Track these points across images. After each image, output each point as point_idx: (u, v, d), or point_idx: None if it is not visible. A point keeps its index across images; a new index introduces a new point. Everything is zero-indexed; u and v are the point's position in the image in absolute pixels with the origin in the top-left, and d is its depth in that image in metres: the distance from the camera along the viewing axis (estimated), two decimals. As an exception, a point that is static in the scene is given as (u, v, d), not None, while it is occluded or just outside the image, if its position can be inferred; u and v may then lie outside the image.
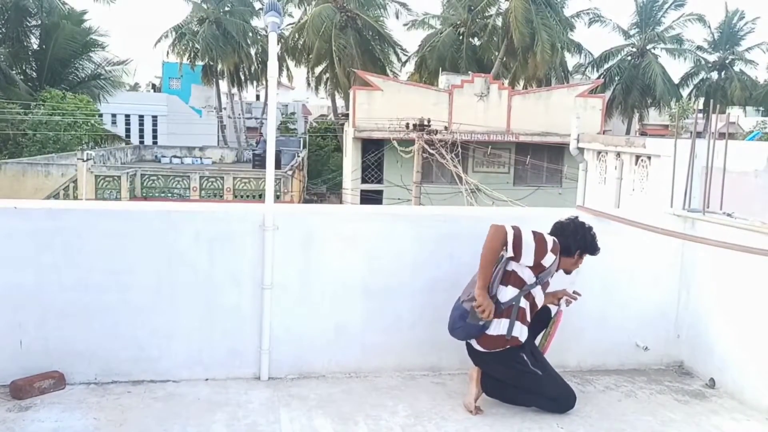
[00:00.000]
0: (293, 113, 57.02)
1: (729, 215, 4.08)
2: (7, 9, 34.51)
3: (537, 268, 3.42)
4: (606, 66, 43.92)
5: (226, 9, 45.89)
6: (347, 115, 30.00)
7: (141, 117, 49.04)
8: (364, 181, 27.53)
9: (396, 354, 3.98)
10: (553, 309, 3.74)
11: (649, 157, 10.28)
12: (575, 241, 3.59)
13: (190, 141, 42.05)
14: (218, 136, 50.27)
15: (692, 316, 4.23)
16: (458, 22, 39.10)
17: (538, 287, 3.49)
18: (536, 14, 33.13)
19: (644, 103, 43.77)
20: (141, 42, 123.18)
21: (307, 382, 3.80)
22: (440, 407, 3.54)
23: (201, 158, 39.45)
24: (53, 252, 3.52)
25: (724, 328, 3.97)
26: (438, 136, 20.66)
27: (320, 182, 39.28)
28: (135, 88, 55.31)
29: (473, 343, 3.52)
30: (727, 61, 46.56)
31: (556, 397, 3.50)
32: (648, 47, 43.53)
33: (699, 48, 46.36)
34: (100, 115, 37.15)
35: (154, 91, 58.32)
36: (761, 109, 49.01)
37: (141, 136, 48.79)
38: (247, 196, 26.68)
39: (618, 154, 11.24)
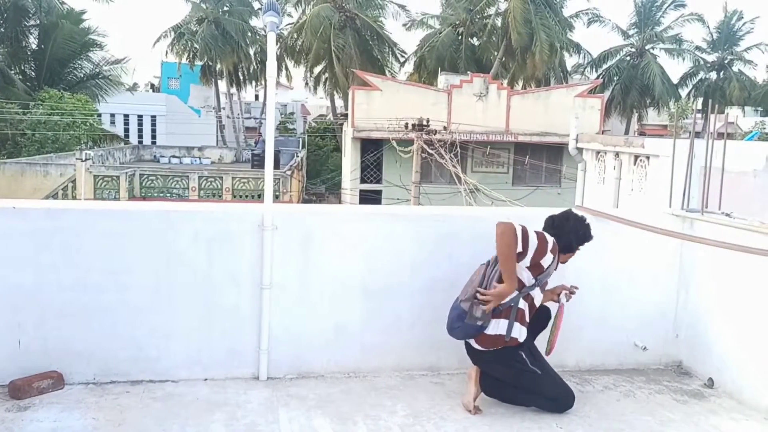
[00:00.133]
0: (292, 113, 57.04)
1: (728, 215, 4.08)
2: (5, 8, 34.49)
3: (536, 268, 3.42)
4: (605, 66, 43.98)
5: (225, 9, 45.90)
6: (346, 115, 29.99)
7: (140, 117, 49.02)
8: (363, 181, 27.53)
9: (395, 354, 3.98)
10: (553, 307, 3.74)
11: (647, 157, 10.29)
12: (577, 237, 3.61)
13: (189, 141, 42.04)
14: (217, 136, 50.27)
15: (691, 316, 4.23)
16: (457, 22, 39.11)
17: (537, 288, 3.49)
18: (535, 14, 33.16)
19: (643, 103, 43.83)
20: (140, 42, 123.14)
21: (305, 382, 3.79)
22: (439, 407, 3.54)
23: (200, 158, 39.45)
24: (52, 252, 3.51)
25: (722, 328, 3.97)
26: (437, 136, 20.67)
27: (319, 182, 39.27)
28: (134, 88, 55.20)
29: (472, 342, 3.52)
30: (725, 62, 46.61)
31: (555, 396, 3.50)
32: (647, 47, 43.59)
33: (698, 48, 46.43)
34: (99, 115, 37.13)
35: (153, 91, 58.29)
36: (760, 109, 49.04)
37: (140, 136, 48.77)
38: (246, 196, 26.67)
39: (617, 154, 11.25)
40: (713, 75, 47.16)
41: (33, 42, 36.63)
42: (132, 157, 37.57)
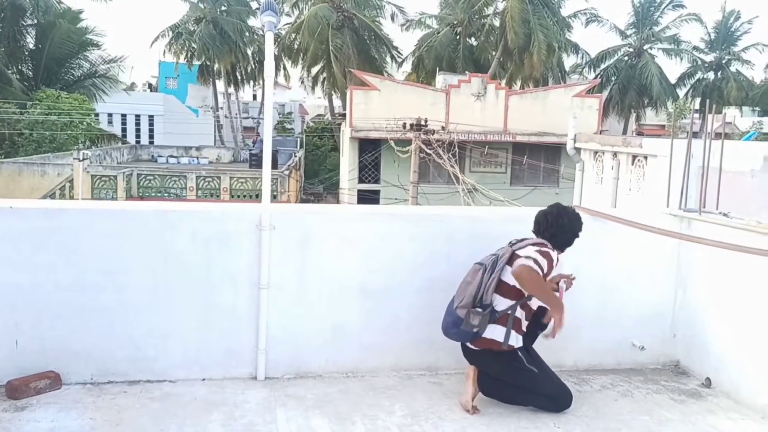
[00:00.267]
0: (290, 113, 57.03)
1: (725, 215, 4.08)
2: (2, 8, 34.41)
3: None
4: (603, 66, 44.00)
5: (223, 8, 45.85)
6: (344, 115, 29.98)
7: (137, 116, 48.95)
8: (361, 181, 27.53)
9: (393, 354, 3.98)
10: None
11: (645, 157, 10.30)
12: (573, 233, 3.62)
13: (187, 141, 41.98)
14: (215, 135, 50.22)
15: (688, 315, 4.24)
16: (455, 22, 39.10)
17: (534, 298, 3.50)
18: (533, 14, 33.17)
19: (641, 103, 43.87)
20: (137, 42, 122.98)
21: (303, 382, 3.79)
22: (437, 407, 3.55)
23: (197, 158, 39.39)
24: (49, 252, 3.51)
25: (720, 327, 3.97)
26: (435, 136, 20.68)
27: (317, 182, 39.26)
28: (131, 87, 55.17)
29: (468, 343, 3.52)
30: (723, 62, 46.67)
31: (553, 395, 3.51)
32: (645, 47, 43.63)
33: (695, 48, 46.47)
34: (96, 115, 37.07)
35: (151, 90, 58.24)
36: (757, 109, 49.12)
37: (137, 136, 48.70)
38: (244, 196, 26.64)
39: (615, 154, 11.26)
40: (711, 75, 47.21)
41: (30, 41, 36.57)
42: (129, 157, 37.52)
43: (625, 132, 43.62)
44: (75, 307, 3.56)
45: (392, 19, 40.84)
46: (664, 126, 51.34)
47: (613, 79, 43.29)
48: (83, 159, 25.19)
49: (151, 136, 48.91)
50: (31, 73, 36.69)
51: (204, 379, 3.74)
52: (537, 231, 3.61)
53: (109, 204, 4.00)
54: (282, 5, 38.74)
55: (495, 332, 3.44)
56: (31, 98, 32.36)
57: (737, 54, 46.75)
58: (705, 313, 4.10)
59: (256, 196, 25.28)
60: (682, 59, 45.36)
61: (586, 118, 25.89)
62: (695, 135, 4.80)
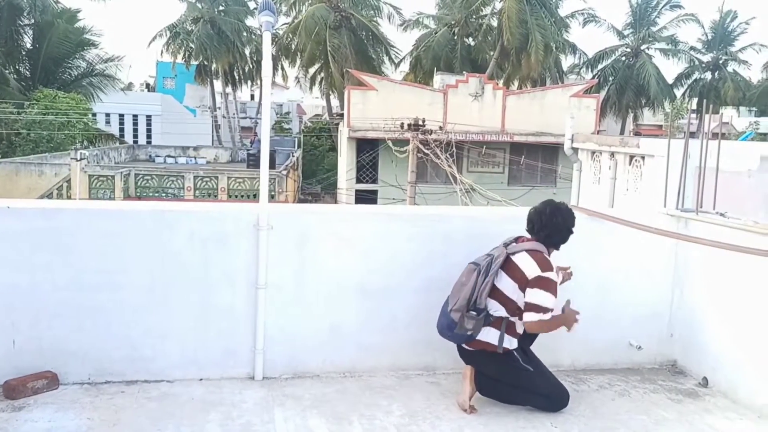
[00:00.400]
0: (288, 113, 57.02)
1: (722, 215, 4.09)
2: (-1, 8, 34.37)
3: None
4: (600, 66, 44.09)
5: (221, 8, 45.83)
6: (342, 115, 29.98)
7: (135, 116, 48.91)
8: (358, 180, 27.52)
9: (391, 354, 3.98)
10: None
11: (642, 157, 10.31)
12: (569, 231, 3.60)
13: (185, 141, 41.96)
14: (212, 135, 50.19)
15: (685, 315, 4.25)
16: (453, 22, 39.13)
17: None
18: (531, 14, 33.20)
19: (638, 103, 43.95)
20: (135, 42, 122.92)
21: (301, 382, 3.79)
22: (435, 406, 3.55)
23: (195, 158, 39.38)
24: (46, 252, 3.51)
25: (717, 327, 3.98)
26: (433, 136, 20.69)
27: (315, 182, 39.23)
28: (129, 87, 55.07)
29: (464, 345, 3.53)
30: (720, 62, 46.76)
31: (549, 394, 3.51)
32: (642, 47, 43.71)
33: (692, 48, 46.56)
34: (94, 115, 37.01)
35: (149, 90, 58.19)
36: (754, 109, 49.21)
37: (135, 136, 48.65)
38: (242, 196, 26.62)
39: (612, 154, 11.27)
40: (708, 75, 47.30)
41: (27, 41, 36.48)
42: (127, 157, 37.48)
43: (622, 132, 43.68)
44: (72, 307, 3.55)
45: (389, 19, 40.88)
46: (661, 126, 51.38)
47: (610, 79, 43.37)
48: (81, 159, 25.15)
49: (149, 136, 48.86)
50: (28, 72, 36.60)
51: (201, 379, 3.74)
52: (531, 230, 3.59)
53: (107, 204, 3.99)
54: (280, 5, 38.72)
55: (489, 335, 3.44)
56: (28, 98, 32.29)
57: (734, 54, 46.84)
58: (702, 313, 4.11)
59: (254, 196, 25.27)
60: (679, 59, 45.49)
61: (584, 118, 25.92)
62: (692, 135, 4.81)
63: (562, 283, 3.65)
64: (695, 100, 45.58)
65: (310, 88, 44.64)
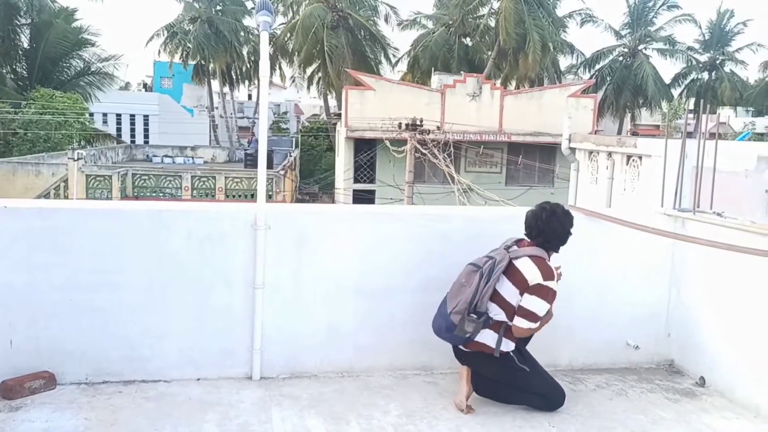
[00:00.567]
0: (285, 113, 56.99)
1: (719, 215, 4.10)
2: (-4, 7, 34.31)
3: None
4: (598, 66, 44.14)
5: (218, 8, 45.78)
6: (339, 115, 29.97)
7: (132, 116, 48.87)
8: (356, 180, 27.52)
9: (388, 353, 3.98)
10: None
11: (640, 157, 10.32)
12: (567, 233, 3.60)
13: (182, 140, 41.94)
14: (210, 135, 50.15)
15: (682, 315, 4.25)
16: (450, 22, 39.14)
17: None
18: (528, 14, 33.20)
19: (636, 103, 44.00)
20: (132, 41, 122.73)
21: (299, 382, 3.79)
22: (432, 406, 3.55)
23: (193, 158, 39.36)
24: (44, 252, 3.50)
25: (714, 326, 3.99)
26: (430, 136, 20.69)
27: (312, 182, 39.24)
28: (126, 87, 55.03)
29: (460, 346, 3.54)
30: (717, 62, 46.84)
31: (546, 394, 3.51)
32: (639, 47, 43.76)
33: (690, 48, 46.64)
34: (91, 114, 36.95)
35: (146, 90, 58.11)
36: (751, 109, 49.32)
37: (132, 136, 48.61)
38: (239, 196, 26.61)
39: (609, 154, 11.28)
40: (705, 75, 47.38)
41: (24, 41, 36.43)
42: (124, 157, 37.44)
43: (620, 132, 43.75)
44: (69, 307, 3.55)
45: (386, 19, 40.87)
46: (658, 126, 51.50)
47: (608, 79, 43.42)
48: (78, 159, 25.13)
49: (146, 136, 48.81)
50: (25, 72, 36.56)
51: (199, 379, 3.73)
52: (529, 235, 3.58)
53: (104, 204, 3.99)
54: (277, 5, 38.69)
55: (487, 337, 3.44)
56: (25, 98, 32.24)
57: (731, 54, 46.93)
58: (699, 313, 4.12)
59: (252, 196, 25.26)
60: (676, 59, 45.55)
61: (581, 118, 25.95)
62: (689, 135, 4.81)
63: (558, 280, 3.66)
64: (692, 100, 45.70)
65: (308, 88, 44.61)
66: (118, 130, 47.71)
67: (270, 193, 25.23)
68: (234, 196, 26.64)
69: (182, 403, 3.44)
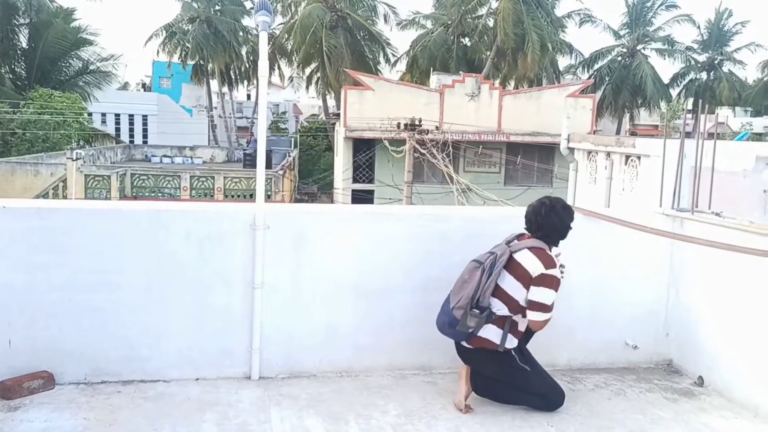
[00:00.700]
0: (284, 113, 56.96)
1: (717, 215, 4.10)
2: (-6, 7, 34.28)
3: None
4: (596, 66, 44.14)
5: (217, 8, 45.76)
6: (338, 115, 29.96)
7: (131, 116, 48.82)
8: (355, 180, 27.51)
9: (387, 353, 3.99)
10: None
11: (638, 157, 10.33)
12: (567, 228, 3.60)
13: (181, 140, 41.89)
14: (209, 135, 50.11)
15: (681, 314, 4.26)
16: (449, 22, 39.15)
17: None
18: (527, 14, 33.21)
19: (634, 103, 44.01)
20: (131, 41, 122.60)
21: (298, 382, 3.79)
22: (431, 406, 3.55)
23: (191, 158, 39.31)
24: (42, 251, 3.50)
25: (712, 326, 3.99)
26: (429, 136, 20.69)
27: (311, 182, 39.24)
28: (125, 87, 54.96)
29: (463, 342, 3.53)
30: (716, 62, 46.88)
31: (545, 394, 3.52)
32: (638, 47, 43.78)
33: (688, 48, 46.67)
34: (90, 114, 36.91)
35: (145, 90, 58.05)
36: (750, 109, 49.36)
37: (131, 136, 48.57)
38: (238, 196, 26.61)
39: (608, 154, 11.29)
40: (704, 75, 47.42)
41: (23, 40, 36.40)
42: (123, 157, 37.40)
43: (618, 132, 43.77)
44: (68, 307, 3.55)
45: (385, 19, 40.88)
46: (657, 126, 51.52)
47: (606, 79, 43.43)
48: (76, 158, 25.12)
49: (145, 136, 48.77)
50: (24, 72, 36.53)
51: (198, 379, 3.73)
52: (529, 229, 3.61)
53: (103, 204, 3.99)
54: (276, 5, 38.67)
55: (490, 332, 3.45)
56: (24, 97, 32.21)
57: (730, 54, 46.97)
58: (698, 313, 4.12)
59: (251, 196, 25.25)
60: (675, 59, 45.57)
61: (580, 118, 25.96)
62: (688, 135, 4.82)
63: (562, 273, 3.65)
64: (691, 100, 45.74)
65: (307, 88, 44.59)
66: (117, 130, 47.66)
67: (269, 193, 25.22)
68: (233, 196, 26.64)
69: (181, 403, 3.44)
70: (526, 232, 3.62)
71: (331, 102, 42.27)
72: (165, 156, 38.64)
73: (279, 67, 44.43)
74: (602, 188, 11.31)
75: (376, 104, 25.75)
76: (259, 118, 3.84)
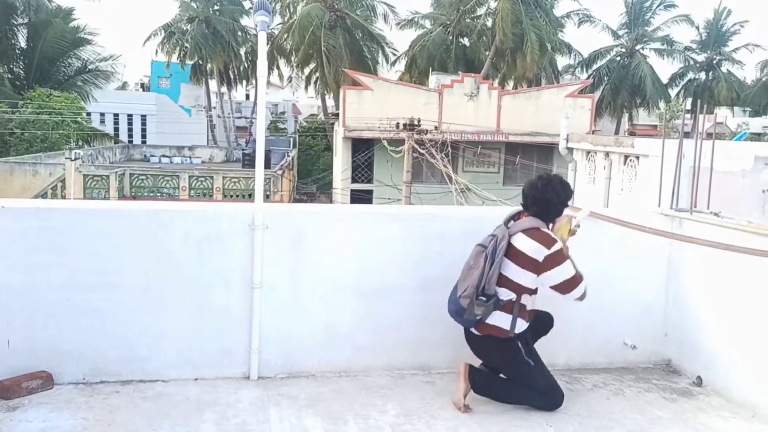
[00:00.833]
0: (283, 112, 56.93)
1: (716, 214, 4.11)
2: (-7, 7, 34.25)
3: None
4: (595, 66, 44.16)
5: (216, 8, 45.75)
6: (337, 115, 29.95)
7: (130, 116, 48.79)
8: (354, 180, 27.51)
9: (386, 353, 3.99)
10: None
11: (637, 157, 10.34)
12: (563, 204, 3.59)
13: (180, 140, 41.87)
14: (208, 135, 50.09)
15: (679, 314, 4.26)
16: (447, 22, 39.16)
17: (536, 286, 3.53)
18: (525, 14, 33.22)
19: (633, 103, 44.03)
20: (129, 41, 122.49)
21: (296, 382, 3.79)
22: (430, 406, 3.55)
23: (190, 158, 39.29)
24: (41, 251, 3.50)
25: (711, 326, 4.00)
26: (428, 136, 20.68)
27: (310, 182, 39.22)
28: (124, 87, 54.89)
29: (472, 329, 3.53)
30: (714, 62, 46.91)
31: (545, 391, 3.51)
32: (637, 47, 43.81)
33: (687, 48, 46.70)
34: (88, 114, 36.89)
35: (143, 90, 58.02)
36: (748, 109, 49.40)
37: (130, 136, 48.54)
38: (237, 196, 26.60)
39: (607, 154, 11.30)
40: (702, 75, 47.45)
41: (22, 40, 36.39)
42: (122, 157, 37.38)
43: (617, 132, 43.79)
44: (67, 307, 3.55)
45: (384, 19, 40.88)
46: (656, 126, 51.55)
47: (605, 79, 43.44)
48: (75, 158, 25.09)
49: (144, 136, 48.74)
50: (22, 72, 36.51)
51: (197, 379, 3.73)
52: (525, 205, 3.59)
53: (101, 204, 3.99)
54: (275, 5, 38.66)
55: (500, 319, 3.45)
56: (23, 97, 32.19)
57: (728, 54, 47.01)
58: (696, 312, 4.12)
59: (249, 196, 25.25)
60: (674, 59, 45.60)
61: (579, 118, 25.97)
62: (687, 135, 4.83)
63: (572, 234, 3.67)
64: (689, 100, 45.76)
65: (306, 88, 44.59)
66: (116, 129, 47.63)
67: (267, 193, 25.21)
68: (232, 196, 26.63)
69: (180, 403, 3.43)
70: (522, 209, 3.60)
71: (330, 102, 42.26)
72: (164, 156, 38.62)
73: (278, 67, 44.42)
74: (601, 188, 11.33)
75: (375, 104, 25.75)
76: (258, 117, 3.83)
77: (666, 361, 4.37)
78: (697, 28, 46.32)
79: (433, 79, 29.71)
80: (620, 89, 42.50)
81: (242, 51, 46.46)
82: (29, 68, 35.81)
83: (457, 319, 3.54)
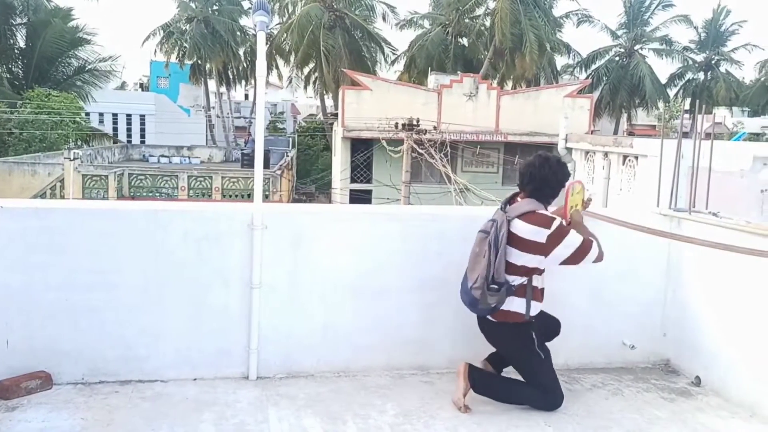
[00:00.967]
0: (282, 112, 56.89)
1: (715, 215, 4.11)
2: (-8, 6, 34.23)
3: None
4: (594, 66, 44.16)
5: (215, 8, 45.74)
6: (336, 115, 29.94)
7: (128, 116, 48.74)
8: (353, 180, 27.50)
9: (385, 353, 3.99)
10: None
11: (636, 157, 10.35)
12: (560, 184, 3.57)
13: (179, 140, 41.83)
14: (207, 135, 50.07)
15: (678, 314, 4.27)
16: (446, 22, 39.16)
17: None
18: (524, 15, 33.23)
19: (632, 103, 44.05)
20: (128, 41, 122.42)
21: (295, 382, 3.79)
22: (429, 406, 3.55)
23: (189, 158, 39.25)
24: (40, 251, 3.49)
25: (709, 326, 4.00)
26: (427, 136, 20.67)
27: (309, 182, 39.20)
28: (123, 87, 54.86)
29: (488, 316, 3.53)
30: (713, 62, 46.94)
31: (547, 389, 3.51)
32: (636, 48, 43.83)
33: (686, 48, 46.72)
34: (87, 114, 36.85)
35: (142, 90, 57.98)
36: (747, 109, 49.42)
37: (129, 136, 48.49)
38: (236, 196, 26.58)
39: (606, 154, 11.31)
40: (701, 75, 47.48)
41: (20, 40, 36.36)
42: (121, 157, 37.34)
43: (616, 132, 43.80)
44: (66, 307, 3.55)
45: (383, 18, 40.89)
46: (655, 126, 51.56)
47: (604, 79, 43.46)
48: (74, 158, 25.06)
49: (143, 136, 48.70)
50: (21, 72, 36.48)
51: (195, 379, 3.73)
52: (521, 184, 3.57)
53: (100, 204, 3.98)
54: (274, 5, 38.65)
55: (515, 304, 3.46)
56: (21, 97, 32.16)
57: (727, 54, 47.03)
58: (695, 312, 4.13)
59: (248, 196, 25.24)
60: (672, 59, 45.62)
61: (578, 118, 25.96)
62: (685, 135, 4.83)
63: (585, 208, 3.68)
64: (688, 101, 45.77)
65: (305, 88, 44.61)
66: (115, 129, 47.58)
67: (266, 192, 25.19)
68: (231, 196, 26.60)
69: (179, 403, 3.43)
70: (519, 191, 3.59)
71: (329, 102, 42.25)
72: (163, 156, 38.58)
73: (277, 67, 44.43)
74: (600, 188, 11.33)
75: (374, 104, 25.73)
76: (257, 117, 3.83)
77: (665, 361, 4.38)
78: (696, 28, 46.38)
79: (432, 79, 29.70)
80: (619, 89, 42.52)
81: (241, 51, 46.44)
82: (28, 68, 35.78)
83: (472, 309, 3.54)
